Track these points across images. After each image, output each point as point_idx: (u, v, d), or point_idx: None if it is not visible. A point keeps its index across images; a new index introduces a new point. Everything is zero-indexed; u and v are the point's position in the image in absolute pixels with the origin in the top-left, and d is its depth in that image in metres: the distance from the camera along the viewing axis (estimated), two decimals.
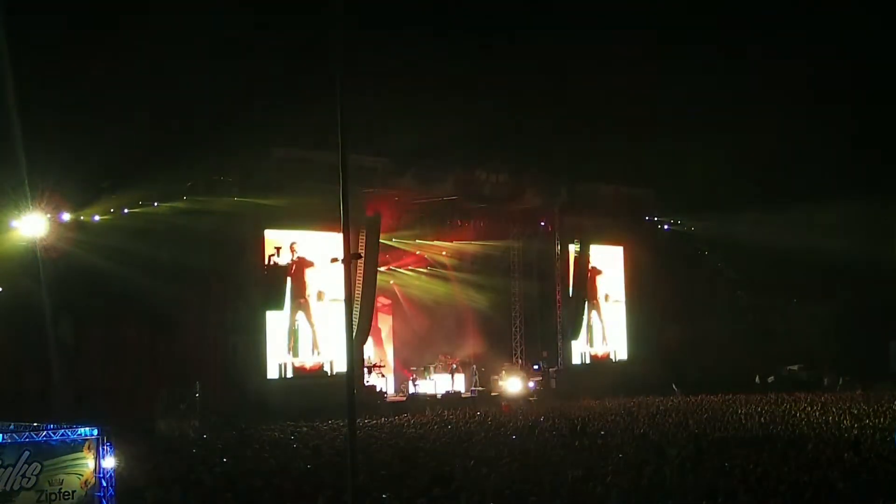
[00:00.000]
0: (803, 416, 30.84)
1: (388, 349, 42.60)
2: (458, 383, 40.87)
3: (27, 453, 16.12)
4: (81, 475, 16.59)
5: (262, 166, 35.07)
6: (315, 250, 36.22)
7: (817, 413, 31.42)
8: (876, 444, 23.73)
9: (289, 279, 36.13)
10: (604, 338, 47.20)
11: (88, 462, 16.67)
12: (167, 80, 33.74)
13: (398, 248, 42.27)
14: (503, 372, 41.27)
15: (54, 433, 16.62)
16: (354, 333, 32.48)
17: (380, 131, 35.65)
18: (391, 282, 42.99)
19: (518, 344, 43.51)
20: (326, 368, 36.79)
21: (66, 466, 16.49)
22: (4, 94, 29.43)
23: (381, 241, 37.64)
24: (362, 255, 34.20)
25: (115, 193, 32.94)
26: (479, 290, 43.73)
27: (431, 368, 41.23)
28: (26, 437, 16.28)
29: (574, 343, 45.16)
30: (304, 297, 36.45)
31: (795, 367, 46.15)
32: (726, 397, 37.02)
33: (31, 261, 31.41)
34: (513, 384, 40.37)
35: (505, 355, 42.87)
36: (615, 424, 29.43)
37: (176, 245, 32.28)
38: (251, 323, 35.32)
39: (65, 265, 31.67)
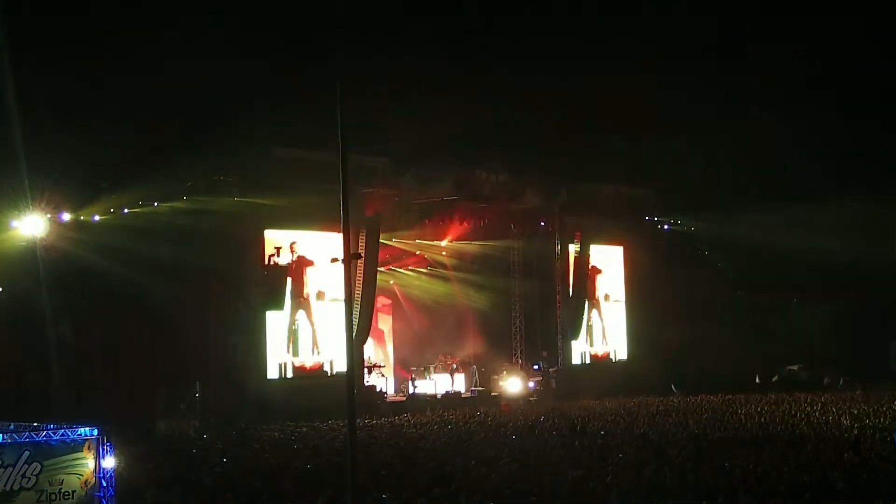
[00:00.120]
0: (803, 416, 30.81)
1: (388, 349, 42.60)
2: (458, 383, 40.85)
3: (27, 453, 16.08)
4: (81, 475, 16.55)
5: (262, 166, 35.00)
6: (315, 250, 36.21)
7: (817, 413, 31.40)
8: (876, 444, 23.68)
9: (289, 279, 36.11)
10: (604, 338, 47.13)
11: (88, 462, 16.64)
12: (167, 79, 33.68)
13: (398, 248, 42.30)
14: (503, 372, 41.26)
15: (54, 433, 16.58)
16: (354, 333, 32.46)
17: (380, 131, 35.58)
18: (391, 282, 42.99)
19: (518, 344, 43.46)
20: (326, 368, 36.77)
21: (66, 466, 16.44)
22: (4, 94, 29.43)
23: (381, 241, 37.65)
24: (362, 255, 34.20)
25: (115, 193, 32.92)
26: (479, 290, 43.72)
27: (431, 368, 41.22)
28: (26, 437, 16.24)
29: (574, 343, 45.07)
30: (304, 297, 36.44)
31: (795, 367, 46.16)
32: (726, 397, 37.00)
33: (31, 261, 31.40)
34: (513, 384, 40.37)
35: (505, 355, 42.84)
36: (615, 424, 29.41)
37: (176, 245, 32.27)
38: (251, 323, 35.30)
39: (65, 265, 31.65)
